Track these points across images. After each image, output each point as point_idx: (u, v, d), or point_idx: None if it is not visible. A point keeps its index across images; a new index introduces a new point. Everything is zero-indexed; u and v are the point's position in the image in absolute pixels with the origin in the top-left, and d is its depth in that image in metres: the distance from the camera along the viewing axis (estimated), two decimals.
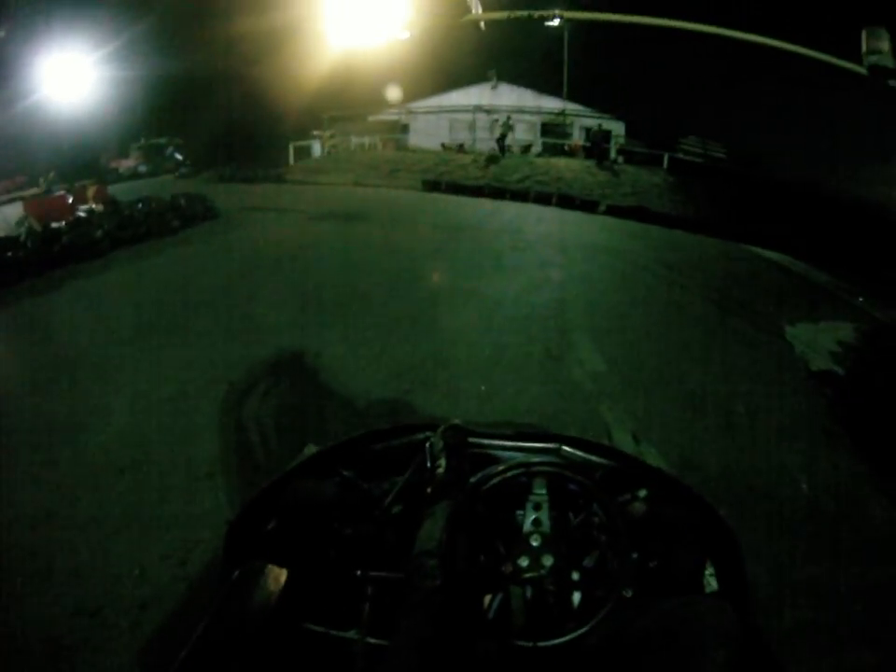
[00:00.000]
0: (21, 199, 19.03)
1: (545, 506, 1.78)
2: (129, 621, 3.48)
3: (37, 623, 3.49)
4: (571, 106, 31.53)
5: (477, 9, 23.23)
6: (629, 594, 1.60)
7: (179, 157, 32.53)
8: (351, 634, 1.69)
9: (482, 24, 24.94)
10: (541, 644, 1.54)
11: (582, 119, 31.55)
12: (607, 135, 28.35)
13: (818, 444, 5.84)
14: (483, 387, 6.68)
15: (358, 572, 1.85)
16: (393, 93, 31.04)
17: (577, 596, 1.67)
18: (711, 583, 1.84)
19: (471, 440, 2.25)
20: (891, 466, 5.30)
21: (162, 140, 33.44)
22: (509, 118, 28.43)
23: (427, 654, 1.45)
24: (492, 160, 26.46)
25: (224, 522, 4.03)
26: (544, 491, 1.81)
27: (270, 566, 1.72)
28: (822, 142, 22.79)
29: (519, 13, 23.47)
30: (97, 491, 4.75)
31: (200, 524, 4.28)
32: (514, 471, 1.85)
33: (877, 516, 4.75)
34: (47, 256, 12.34)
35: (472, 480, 1.90)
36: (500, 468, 1.87)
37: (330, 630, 1.71)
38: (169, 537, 4.17)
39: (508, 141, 27.88)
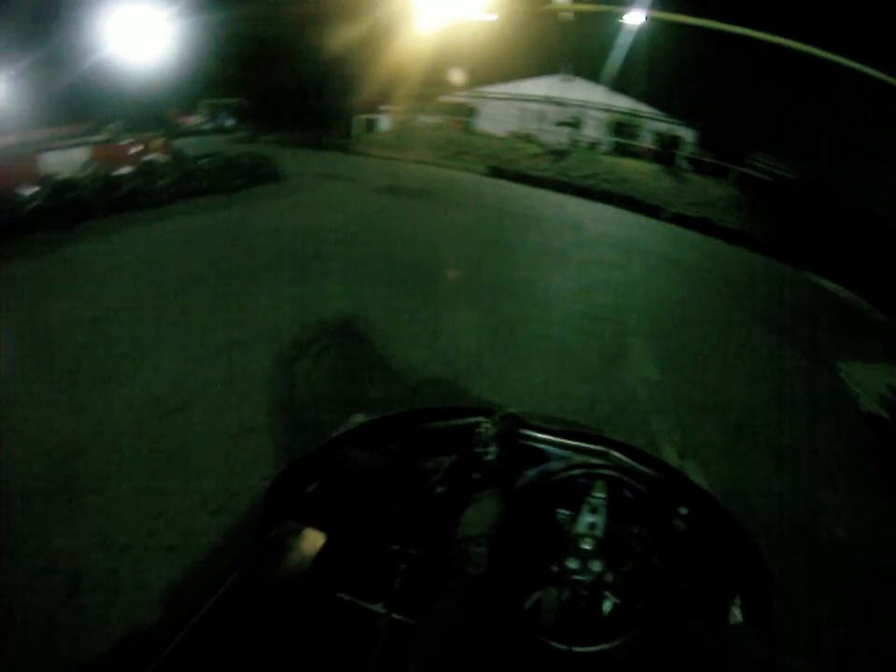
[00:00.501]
0: (88, 144, 19.33)
1: (602, 510, 1.72)
2: (155, 561, 3.58)
3: (62, 553, 3.58)
4: (643, 108, 31.18)
5: None
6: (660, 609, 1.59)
7: (231, 121, 32.93)
8: (378, 607, 1.71)
9: (566, 15, 24.91)
10: (576, 649, 1.53)
11: (653, 122, 31.21)
12: (676, 141, 27.97)
13: (859, 489, 5.77)
14: (537, 380, 6.70)
15: (394, 547, 1.86)
16: (466, 76, 30.97)
17: (611, 605, 1.62)
18: (736, 614, 1.82)
19: (523, 431, 2.25)
20: None
21: (230, 100, 33.81)
22: (581, 113, 28.49)
23: (458, 640, 1.46)
24: (559, 153, 26.18)
25: (262, 478, 4.24)
26: (604, 495, 1.74)
27: (308, 528, 1.74)
28: None
29: (605, 7, 23.37)
30: (138, 432, 4.90)
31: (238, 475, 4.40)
32: (578, 471, 1.78)
33: None
34: (108, 201, 12.55)
35: (530, 473, 1.86)
36: (563, 465, 1.81)
37: (358, 600, 1.72)
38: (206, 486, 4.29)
39: (576, 136, 27.52)
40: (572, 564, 1.62)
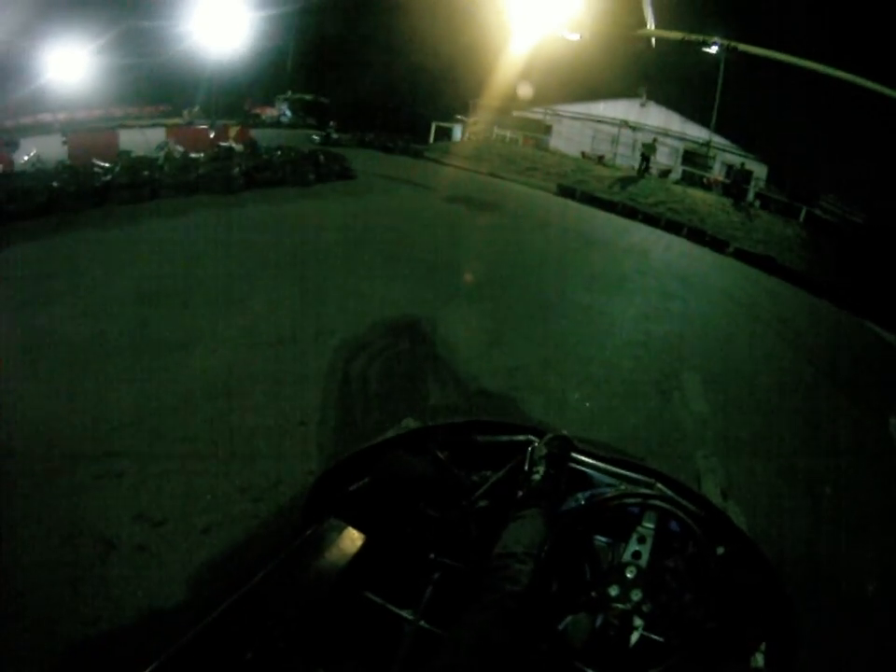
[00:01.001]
0: (164, 125, 20.11)
1: (649, 540, 1.75)
2: (188, 540, 3.70)
3: (98, 522, 3.71)
4: (716, 139, 30.93)
5: (651, 25, 23.19)
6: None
7: (288, 113, 33.65)
8: (407, 613, 1.72)
9: (652, 40, 24.92)
10: None
11: (725, 154, 30.93)
12: (748, 176, 27.62)
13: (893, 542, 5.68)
14: (587, 404, 6.80)
15: (431, 555, 1.87)
16: (542, 92, 31.11)
17: (639, 635, 1.65)
18: (758, 660, 1.82)
19: (571, 454, 2.23)
20: None
21: (308, 96, 34.51)
22: (655, 139, 28.29)
23: (488, 655, 1.45)
24: (630, 178, 26.25)
25: (306, 472, 4.52)
26: (653, 525, 1.76)
27: (349, 527, 1.77)
28: None
29: (694, 36, 23.33)
30: (188, 411, 5.21)
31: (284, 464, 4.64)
32: (631, 499, 1.80)
33: None
34: (181, 181, 13.09)
35: (580, 496, 1.88)
36: (616, 492, 1.82)
37: (389, 604, 1.73)
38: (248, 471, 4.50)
39: (649, 163, 27.59)
40: (613, 591, 1.68)
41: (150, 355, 6.06)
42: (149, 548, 3.61)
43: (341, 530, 1.77)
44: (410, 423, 2.90)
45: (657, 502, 1.78)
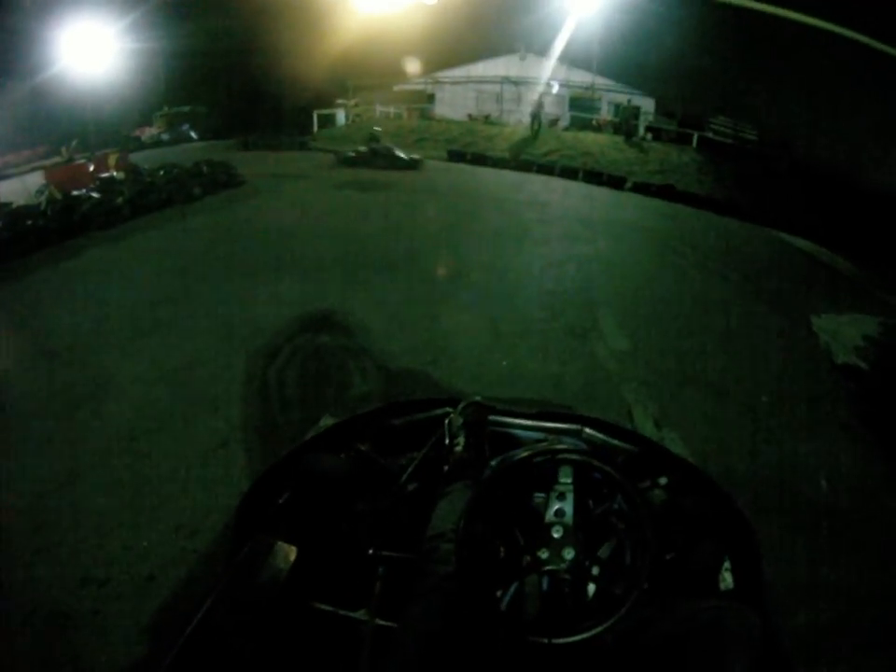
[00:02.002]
0: (42, 168, 19.17)
1: (570, 496, 1.65)
2: (135, 593, 3.50)
3: (44, 591, 3.52)
4: (600, 81, 31.21)
5: None
6: (644, 587, 1.52)
7: (193, 134, 32.76)
8: (360, 614, 1.66)
9: None
10: (557, 641, 1.46)
11: (611, 95, 31.26)
12: (636, 111, 28.04)
13: (837, 440, 5.77)
14: (504, 362, 6.65)
15: (370, 551, 1.82)
16: (419, 63, 30.90)
17: (593, 591, 1.58)
18: (727, 579, 1.79)
19: (492, 417, 2.21)
20: None
21: (185, 108, 33.62)
22: (541, 96, 28.01)
23: (434, 644, 1.42)
24: (519, 135, 26.33)
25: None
26: (570, 480, 1.66)
27: (279, 542, 1.69)
28: (859, 128, 22.31)
29: None
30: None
31: None
32: (540, 457, 1.68)
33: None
34: (66, 224, 12.46)
35: (493, 462, 1.74)
36: (524, 452, 1.70)
37: (339, 609, 1.67)
38: None
39: (535, 114, 27.36)
40: (543, 553, 1.57)
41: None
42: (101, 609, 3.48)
43: (271, 547, 1.67)
44: (327, 420, 2.72)
45: (566, 455, 1.66)
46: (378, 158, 21.67)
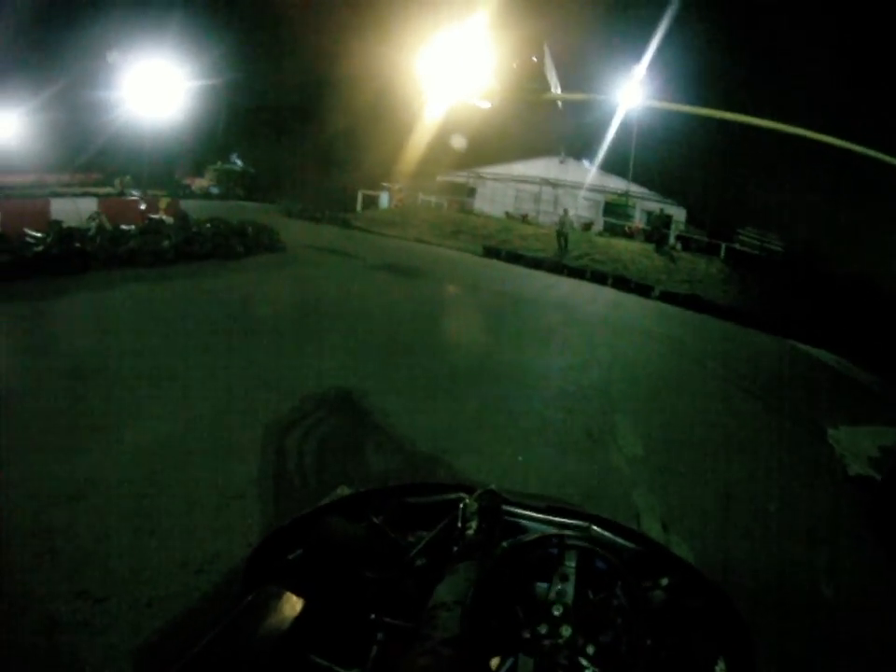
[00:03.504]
0: (96, 195, 19.94)
1: (572, 578, 1.77)
2: (133, 613, 3.52)
3: (40, 603, 3.52)
4: (635, 188, 31.93)
5: (556, 88, 23.96)
6: None
7: (237, 188, 33.95)
8: None
9: (559, 103, 25.67)
10: None
11: (645, 202, 31.90)
12: (667, 220, 28.50)
13: (848, 550, 5.75)
14: (520, 458, 6.69)
15: (372, 616, 1.85)
16: (464, 157, 31.77)
17: None
18: None
19: (504, 507, 2.26)
20: None
21: (237, 167, 34.80)
22: (566, 212, 27.28)
23: None
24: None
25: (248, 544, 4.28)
26: (573, 564, 1.80)
27: (287, 592, 1.74)
28: (885, 240, 22.45)
29: (597, 96, 24.13)
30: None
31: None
32: (548, 541, 1.86)
33: None
34: (112, 254, 12.95)
35: (505, 544, 1.90)
36: (535, 536, 1.88)
37: (335, 666, 1.69)
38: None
39: (567, 241, 25.92)
40: (542, 629, 1.66)
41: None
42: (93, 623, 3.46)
43: (279, 596, 1.73)
44: (344, 490, 2.92)
45: (574, 542, 1.84)
46: None
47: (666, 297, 20.25)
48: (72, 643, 3.31)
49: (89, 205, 16.51)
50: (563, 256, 24.90)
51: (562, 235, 25.43)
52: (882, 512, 6.46)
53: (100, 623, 3.43)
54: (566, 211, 27.27)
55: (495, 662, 1.64)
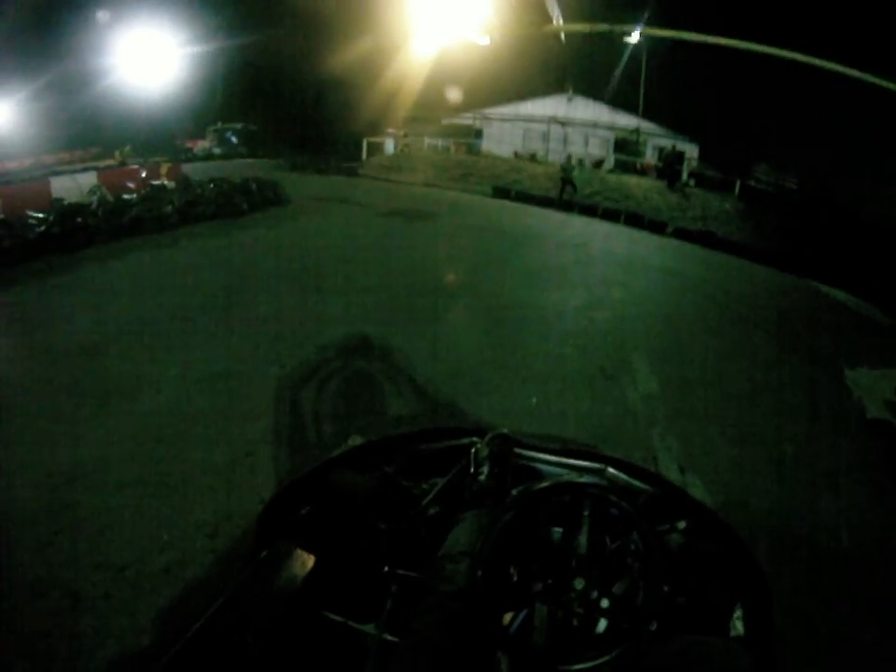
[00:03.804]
0: (95, 168, 19.67)
1: (585, 528, 1.72)
2: (150, 582, 3.58)
3: (59, 574, 3.60)
4: (646, 125, 31.34)
5: (558, 21, 23.35)
6: (653, 627, 1.58)
7: (234, 139, 33.48)
8: (369, 628, 1.69)
9: (562, 36, 25.07)
10: (561, 668, 1.53)
11: (656, 139, 31.34)
12: (680, 157, 27.94)
13: (863, 496, 5.63)
14: (534, 399, 6.68)
15: (386, 568, 1.84)
16: (469, 98, 31.24)
17: (602, 623, 1.62)
18: (738, 627, 1.78)
19: (517, 450, 2.24)
20: None
21: (238, 125, 34.31)
22: (570, 157, 26.20)
23: (435, 660, 1.45)
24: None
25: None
26: (587, 513, 1.74)
27: (298, 549, 1.74)
28: None
29: (600, 27, 23.55)
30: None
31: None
32: (560, 489, 1.78)
33: None
34: (115, 225, 12.87)
35: (515, 491, 1.83)
36: (545, 483, 1.79)
37: (349, 621, 1.70)
38: None
39: (574, 186, 23.95)
40: (555, 581, 1.65)
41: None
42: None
43: (291, 552, 1.75)
44: (355, 440, 2.91)
45: (586, 490, 1.78)
46: None
47: (680, 233, 19.88)
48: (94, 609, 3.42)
49: (90, 180, 16.49)
50: (561, 202, 23.34)
51: (567, 182, 23.84)
52: None
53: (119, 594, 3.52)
54: (569, 157, 26.35)
55: (510, 615, 1.63)
